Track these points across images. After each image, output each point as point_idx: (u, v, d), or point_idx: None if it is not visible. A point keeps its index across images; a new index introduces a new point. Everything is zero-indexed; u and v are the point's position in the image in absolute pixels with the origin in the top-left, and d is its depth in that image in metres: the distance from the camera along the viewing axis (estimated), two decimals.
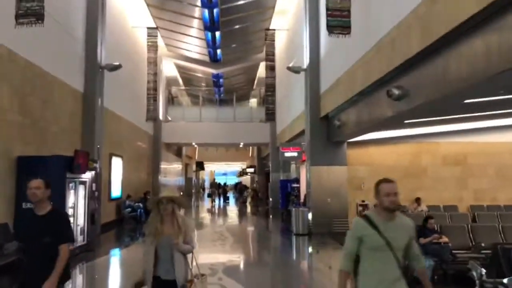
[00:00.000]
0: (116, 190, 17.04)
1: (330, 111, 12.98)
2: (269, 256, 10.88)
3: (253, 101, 35.47)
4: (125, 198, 17.74)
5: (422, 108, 7.99)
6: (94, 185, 10.82)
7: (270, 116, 19.83)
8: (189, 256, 4.10)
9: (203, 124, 30.06)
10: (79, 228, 10.27)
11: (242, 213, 24.13)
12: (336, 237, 12.80)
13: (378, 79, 8.81)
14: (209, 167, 65.25)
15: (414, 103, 7.88)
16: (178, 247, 3.88)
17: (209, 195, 37.49)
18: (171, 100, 32.38)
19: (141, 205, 18.16)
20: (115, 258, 10.29)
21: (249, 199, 35.39)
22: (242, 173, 55.98)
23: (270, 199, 26.21)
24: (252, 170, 39.67)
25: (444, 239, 7.47)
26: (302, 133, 16.98)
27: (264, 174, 36.59)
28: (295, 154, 14.12)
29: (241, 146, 36.23)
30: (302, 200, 18.29)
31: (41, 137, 10.42)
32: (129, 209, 17.35)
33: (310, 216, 13.57)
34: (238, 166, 65.86)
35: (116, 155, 17.09)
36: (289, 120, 20.10)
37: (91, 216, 10.62)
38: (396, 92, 8.04)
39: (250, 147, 48.57)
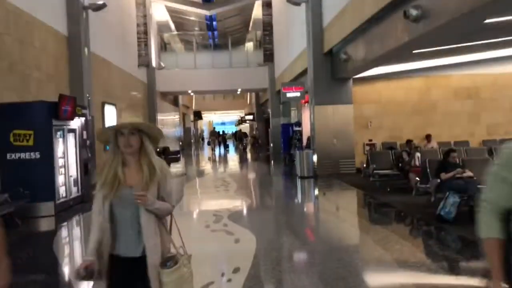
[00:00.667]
0: None
1: (334, 45, 12.02)
2: (274, 200, 10.36)
3: (249, 45, 34.07)
4: None
5: (441, 30, 7.14)
6: (85, 133, 10.08)
7: (269, 57, 18.83)
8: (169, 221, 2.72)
9: (198, 71, 28.95)
10: (72, 179, 9.64)
11: (243, 160, 23.66)
12: (343, 178, 12.29)
13: (392, 0, 7.86)
14: (207, 117, 64.43)
15: (433, 24, 7.02)
16: (146, 204, 2.37)
17: (209, 143, 37.08)
18: (163, 47, 31.06)
19: None
20: None
21: (249, 146, 34.99)
22: (241, 121, 55.24)
23: (271, 145, 25.64)
24: (251, 117, 38.87)
25: (468, 173, 6.85)
26: (303, 73, 16.07)
27: (264, 121, 35.88)
28: (298, 94, 13.29)
29: (238, 92, 35.23)
30: (304, 143, 17.69)
31: (23, 83, 9.55)
32: None
33: (315, 158, 12.97)
34: (236, 114, 65.05)
35: (109, 103, 16.24)
36: (289, 61, 19.09)
37: (84, 166, 9.96)
38: (414, 12, 7.13)
39: (248, 94, 47.52)
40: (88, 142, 10.32)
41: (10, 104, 8.27)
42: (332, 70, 12.93)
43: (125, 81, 19.29)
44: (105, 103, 15.67)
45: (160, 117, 25.82)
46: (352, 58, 11.23)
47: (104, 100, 15.68)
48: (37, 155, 8.28)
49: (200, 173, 17.07)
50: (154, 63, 24.67)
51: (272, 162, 21.30)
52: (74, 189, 9.72)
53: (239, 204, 9.09)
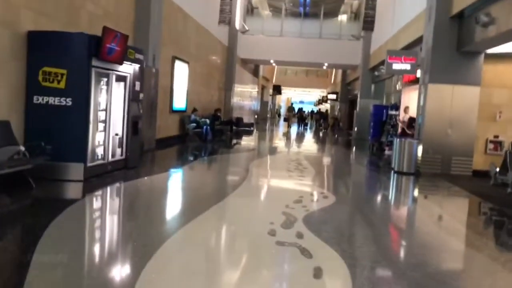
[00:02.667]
0: (179, 101, 14.58)
1: (470, 3, 8.94)
2: (368, 200, 7.73)
3: (343, 17, 30.80)
4: (191, 112, 15.30)
5: None
6: (138, 84, 8.15)
7: (369, 24, 15.82)
8: None
9: (284, 39, 26.52)
10: (116, 138, 7.81)
11: (321, 142, 21.03)
12: (454, 180, 9.39)
13: None
14: (286, 93, 62.09)
15: None
16: None
17: (285, 119, 35.02)
18: (250, 10, 28.86)
19: (208, 121, 15.65)
20: (161, 180, 7.79)
21: (328, 128, 32.29)
22: (321, 101, 52.15)
23: (355, 129, 22.72)
24: (334, 96, 35.81)
25: None
26: (413, 45, 13.02)
27: (348, 102, 32.78)
28: (407, 66, 10.41)
29: (325, 67, 32.30)
30: (400, 130, 14.71)
31: (70, 13, 7.77)
32: (193, 124, 14.93)
33: (419, 150, 10.13)
34: (317, 94, 61.99)
35: (181, 60, 14.39)
36: (393, 31, 15.98)
37: (133, 125, 8.08)
38: None
39: (333, 72, 44.29)
40: (141, 95, 8.38)
41: (40, 33, 6.45)
42: (458, 40, 9.86)
43: (203, 39, 17.36)
44: (176, 58, 13.82)
45: (237, 84, 23.84)
46: (497, 21, 8.13)
47: (175, 55, 13.83)
48: (69, 101, 6.44)
49: (272, 151, 14.82)
50: (237, 25, 22.56)
51: (354, 148, 18.49)
52: (118, 151, 7.91)
53: (319, 200, 6.64)
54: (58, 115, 6.44)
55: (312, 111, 44.50)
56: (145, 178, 7.66)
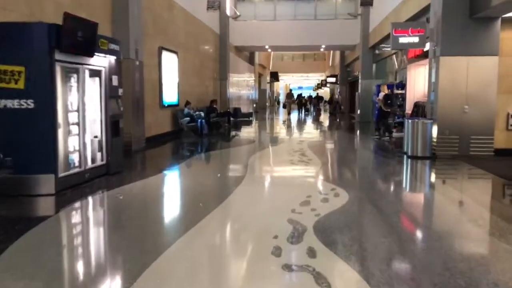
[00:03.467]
0: (170, 95, 13.62)
1: None
2: (380, 194, 6.76)
3: None
4: (184, 106, 14.35)
5: None
6: (115, 78, 7.20)
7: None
8: None
9: (278, 23, 25.46)
10: (95, 142, 6.90)
11: (323, 127, 20.05)
12: (475, 162, 8.47)
13: None
14: (284, 80, 60.97)
15: None
16: None
17: (284, 106, 34.25)
18: None
19: (202, 114, 14.70)
20: (147, 185, 6.87)
21: (326, 111, 31.41)
22: (320, 85, 51.07)
23: (358, 112, 21.73)
24: (333, 79, 34.75)
25: None
26: (416, 17, 12.00)
27: (348, 84, 31.78)
28: (415, 39, 9.38)
29: (322, 49, 31.21)
30: (408, 111, 13.77)
31: (31, 4, 6.81)
32: (187, 119, 13.99)
33: (435, 131, 9.19)
34: (315, 78, 60.84)
35: (169, 50, 13.41)
36: (393, 5, 14.94)
37: (113, 125, 7.15)
38: None
39: (330, 55, 43.14)
40: (120, 91, 7.44)
41: None
42: (471, 6, 8.85)
43: (192, 28, 16.34)
44: (162, 48, 12.83)
45: (232, 73, 22.82)
46: None
47: (162, 45, 12.84)
48: (30, 103, 5.50)
49: (273, 141, 13.89)
50: (228, 11, 21.48)
51: (359, 132, 17.53)
52: (98, 156, 7.00)
53: (329, 200, 5.59)
54: (18, 120, 5.51)
55: (311, 96, 43.41)
56: (129, 184, 6.73)
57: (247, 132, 17.09)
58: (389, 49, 17.64)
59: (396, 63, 16.53)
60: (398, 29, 9.29)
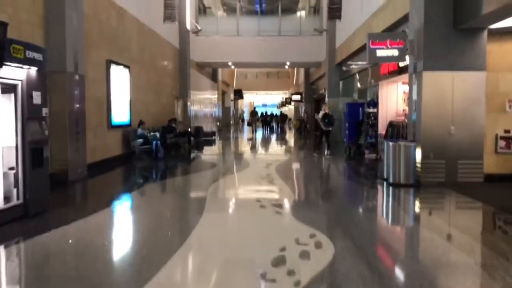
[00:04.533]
0: (120, 114, 12.12)
1: None
2: (375, 242, 5.56)
3: (302, 12, 28.99)
4: (137, 126, 12.86)
5: None
6: (37, 95, 5.71)
7: (336, 12, 13.85)
8: None
9: (241, 39, 24.46)
10: (9, 176, 5.39)
11: (289, 148, 18.91)
12: (464, 190, 7.49)
13: None
14: (248, 97, 60.11)
15: None
16: None
17: (249, 124, 33.54)
18: (202, 10, 26.57)
19: (157, 134, 13.22)
20: (75, 231, 5.35)
21: (292, 130, 30.54)
22: (284, 103, 50.42)
23: None
24: (298, 97, 33.96)
25: None
26: (390, 29, 11.14)
27: (314, 102, 31.03)
28: (395, 52, 8.36)
29: (287, 67, 30.40)
30: (382, 131, 12.83)
31: None
32: (140, 140, 12.49)
33: (418, 155, 8.15)
34: (279, 95, 60.32)
35: (119, 64, 11.96)
36: (362, 19, 14.13)
37: (34, 153, 5.63)
38: None
39: (294, 73, 42.61)
40: (44, 111, 5.94)
41: None
42: (455, 15, 7.97)
43: (147, 40, 14.95)
44: (111, 62, 11.37)
45: (194, 92, 21.48)
46: None
47: (111, 58, 11.39)
48: None
49: (238, 164, 12.57)
50: (188, 25, 20.22)
51: (326, 152, 16.50)
52: (14, 193, 5.47)
53: (311, 253, 4.21)
54: None
55: (275, 115, 42.67)
56: (54, 231, 5.21)
57: (209, 154, 15.71)
58: (356, 66, 16.91)
59: (358, 81, 15.69)
60: (375, 40, 8.29)
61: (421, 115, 8.15)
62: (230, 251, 4.39)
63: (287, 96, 51.01)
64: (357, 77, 17.17)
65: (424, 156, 8.11)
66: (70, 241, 4.85)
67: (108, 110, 11.28)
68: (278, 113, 41.45)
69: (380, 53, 8.41)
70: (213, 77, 30.30)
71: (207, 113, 26.27)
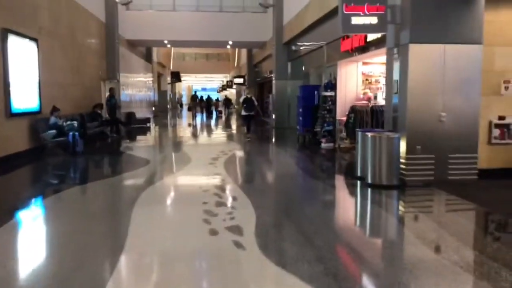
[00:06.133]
0: (26, 99, 9.60)
1: None
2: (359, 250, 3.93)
3: None
4: (50, 113, 10.37)
5: None
6: None
7: None
8: None
9: (178, 14, 22.01)
10: None
11: (236, 136, 16.97)
12: (458, 189, 6.06)
13: None
14: (186, 80, 57.17)
15: None
16: None
17: (190, 109, 31.39)
18: None
19: (75, 124, 10.77)
20: None
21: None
22: (226, 87, 48.26)
23: (273, 116, 19.12)
24: (240, 80, 32.04)
25: None
26: None
27: (258, 86, 29.31)
28: (373, 20, 6.63)
29: (229, 46, 28.27)
30: (342, 117, 11.31)
31: None
32: (52, 132, 10.01)
33: (402, 148, 6.58)
34: (219, 80, 58.00)
35: (21, 35, 9.37)
36: None
37: None
38: None
39: (236, 55, 40.51)
40: None
41: None
42: None
43: (63, 10, 12.28)
44: (8, 31, 8.79)
45: (125, 75, 18.88)
46: None
47: (8, 27, 8.80)
48: None
49: (176, 160, 10.48)
50: None
51: (279, 142, 14.84)
52: None
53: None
54: None
55: (216, 99, 40.49)
56: None
57: (142, 146, 13.42)
58: (306, 46, 15.22)
59: (324, 59, 14.07)
60: (350, 4, 6.54)
61: (406, 99, 6.55)
62: None
63: (228, 79, 48.88)
64: (309, 57, 15.55)
65: (409, 151, 6.56)
66: None
67: (6, 93, 8.74)
68: (220, 98, 39.47)
69: (356, 20, 6.67)
70: (147, 57, 27.56)
71: (140, 97, 23.65)
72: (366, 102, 11.20)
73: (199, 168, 8.71)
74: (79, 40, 13.76)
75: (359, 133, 7.07)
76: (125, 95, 18.90)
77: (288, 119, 18.39)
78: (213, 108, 33.46)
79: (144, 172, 8.42)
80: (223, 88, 51.27)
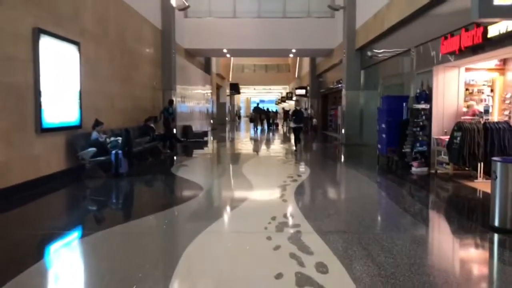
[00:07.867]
0: (62, 112, 8.19)
1: None
2: None
3: None
4: (92, 128, 8.96)
5: None
6: None
7: None
8: None
9: (238, 21, 20.55)
10: None
11: (303, 155, 14.79)
12: None
13: None
14: (244, 92, 56.00)
15: None
16: None
17: (252, 120, 30.31)
18: None
19: (119, 140, 9.26)
20: None
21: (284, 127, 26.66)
22: (285, 98, 46.39)
23: (343, 131, 16.91)
24: (302, 91, 30.06)
25: None
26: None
27: (321, 97, 27.19)
28: None
29: (291, 55, 26.44)
30: (439, 135, 9.03)
31: None
32: (92, 150, 8.52)
33: None
34: (277, 91, 56.35)
35: (58, 37, 7.99)
36: None
37: None
38: None
39: (296, 66, 38.54)
40: None
41: None
42: None
43: (112, 11, 10.99)
44: (42, 31, 7.41)
45: (182, 86, 17.53)
46: None
47: (41, 26, 7.43)
48: None
49: (236, 186, 8.63)
50: (173, 0, 16.17)
51: (355, 163, 12.64)
52: None
53: None
54: None
55: (276, 111, 38.81)
56: None
57: (196, 166, 11.71)
58: (386, 51, 12.75)
59: (411, 65, 11.81)
60: None
61: None
62: None
63: (287, 91, 47.09)
64: (390, 63, 13.28)
65: None
66: None
67: (36, 105, 7.34)
68: (278, 110, 37.80)
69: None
70: (206, 68, 26.33)
71: (198, 109, 22.31)
72: (474, 117, 8.86)
73: (264, 205, 6.77)
74: (130, 46, 12.44)
75: (498, 164, 4.82)
76: (182, 107, 17.54)
77: (360, 135, 16.15)
78: (272, 120, 31.90)
79: (195, 205, 6.60)
80: (282, 100, 49.50)
